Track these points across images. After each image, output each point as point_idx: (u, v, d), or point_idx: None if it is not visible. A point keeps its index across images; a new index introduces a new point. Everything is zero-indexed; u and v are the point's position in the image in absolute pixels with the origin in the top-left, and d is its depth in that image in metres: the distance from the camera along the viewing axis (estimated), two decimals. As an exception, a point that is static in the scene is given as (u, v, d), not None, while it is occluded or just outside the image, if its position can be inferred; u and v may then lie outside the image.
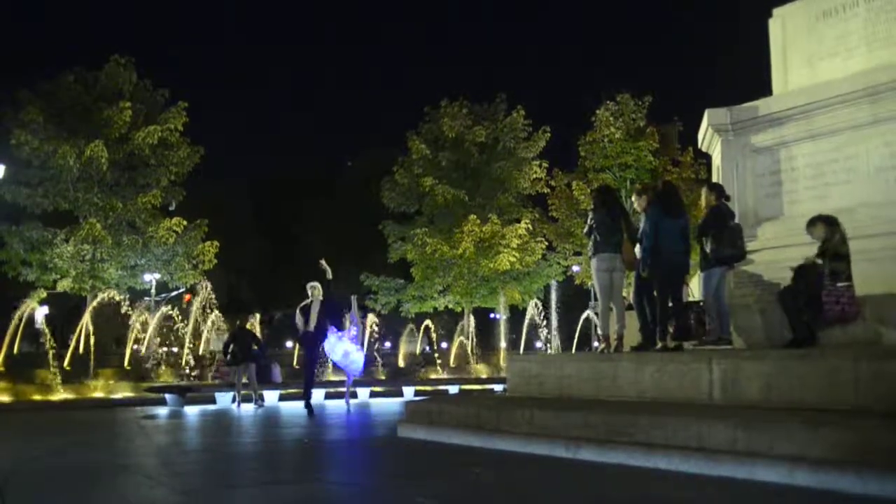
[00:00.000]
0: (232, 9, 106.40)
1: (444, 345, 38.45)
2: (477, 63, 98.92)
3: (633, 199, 10.83)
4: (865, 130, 10.33)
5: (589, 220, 10.67)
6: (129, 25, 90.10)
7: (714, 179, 12.45)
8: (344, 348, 15.93)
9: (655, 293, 9.87)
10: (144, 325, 28.06)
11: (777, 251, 10.18)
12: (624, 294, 11.19)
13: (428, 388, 23.25)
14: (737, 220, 10.26)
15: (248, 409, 16.67)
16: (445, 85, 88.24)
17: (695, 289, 12.18)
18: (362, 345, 17.10)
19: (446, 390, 22.43)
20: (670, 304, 9.81)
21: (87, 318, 26.34)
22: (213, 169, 31.63)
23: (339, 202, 53.63)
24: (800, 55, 11.61)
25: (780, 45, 11.88)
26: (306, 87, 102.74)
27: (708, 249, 9.67)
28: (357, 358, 16.32)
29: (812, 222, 9.16)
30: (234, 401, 17.85)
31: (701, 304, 10.56)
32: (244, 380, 17.77)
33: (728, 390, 7.83)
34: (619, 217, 10.55)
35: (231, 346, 18.28)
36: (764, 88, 12.13)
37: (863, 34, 11.01)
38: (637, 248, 10.32)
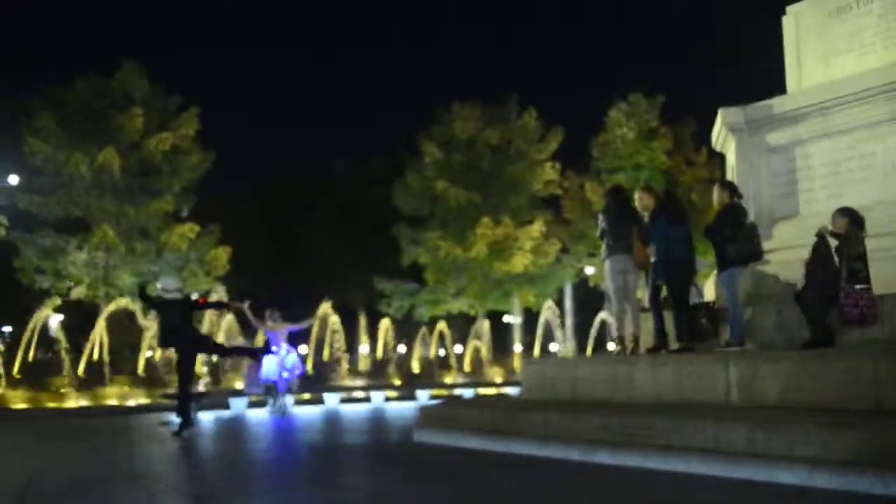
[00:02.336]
0: (233, 9, 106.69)
1: (458, 348, 38.35)
2: (487, 64, 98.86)
3: (637, 195, 10.72)
4: (882, 128, 10.23)
5: (601, 222, 10.63)
6: (129, 26, 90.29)
7: (728, 179, 12.37)
8: (277, 362, 16.12)
9: (670, 299, 9.89)
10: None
11: (793, 251, 10.07)
12: (639, 295, 11.14)
13: (443, 392, 23.22)
14: (752, 220, 10.16)
15: (264, 414, 16.68)
16: (454, 86, 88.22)
17: (709, 290, 12.08)
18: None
19: (461, 394, 22.40)
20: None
21: (101, 325, 26.38)
22: (217, 171, 31.63)
23: (345, 204, 53.60)
24: (814, 52, 11.53)
25: (793, 43, 11.80)
26: (311, 88, 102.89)
27: (725, 248, 9.52)
28: (290, 359, 16.43)
29: (842, 212, 9.01)
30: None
31: (711, 304, 10.48)
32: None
33: (746, 392, 7.76)
34: (632, 218, 10.50)
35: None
36: (779, 86, 12.06)
37: (877, 31, 10.92)
38: (649, 250, 10.29)
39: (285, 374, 16.28)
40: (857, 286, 8.54)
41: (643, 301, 11.84)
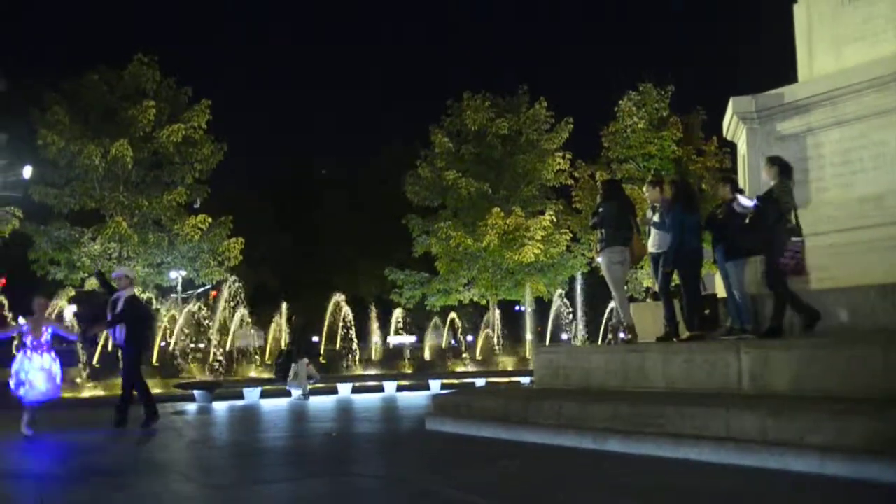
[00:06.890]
0: (243, 1, 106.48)
1: (469, 338, 38.42)
2: (498, 55, 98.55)
3: (646, 189, 10.75)
4: (894, 116, 10.19)
5: (599, 213, 10.64)
6: (140, 19, 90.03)
7: (739, 168, 12.37)
8: (40, 364, 10.74)
9: (683, 287, 9.90)
10: (172, 321, 28.23)
11: (805, 239, 10.08)
12: (650, 284, 11.19)
13: (454, 381, 23.29)
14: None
15: (278, 403, 16.77)
16: (466, 77, 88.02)
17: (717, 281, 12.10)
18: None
19: (473, 383, 22.46)
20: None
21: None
22: (229, 163, 31.65)
23: (356, 195, 53.64)
24: (825, 40, 11.47)
25: (804, 31, 11.74)
26: (323, 80, 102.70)
27: (740, 239, 9.53)
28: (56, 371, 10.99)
29: (770, 160, 9.38)
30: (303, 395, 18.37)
31: (715, 295, 10.50)
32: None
33: (757, 380, 7.78)
34: (628, 210, 10.56)
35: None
36: (789, 75, 12.02)
37: (890, 17, 10.85)
38: (651, 241, 10.31)
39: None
40: (794, 238, 8.79)
41: (654, 288, 11.91)
